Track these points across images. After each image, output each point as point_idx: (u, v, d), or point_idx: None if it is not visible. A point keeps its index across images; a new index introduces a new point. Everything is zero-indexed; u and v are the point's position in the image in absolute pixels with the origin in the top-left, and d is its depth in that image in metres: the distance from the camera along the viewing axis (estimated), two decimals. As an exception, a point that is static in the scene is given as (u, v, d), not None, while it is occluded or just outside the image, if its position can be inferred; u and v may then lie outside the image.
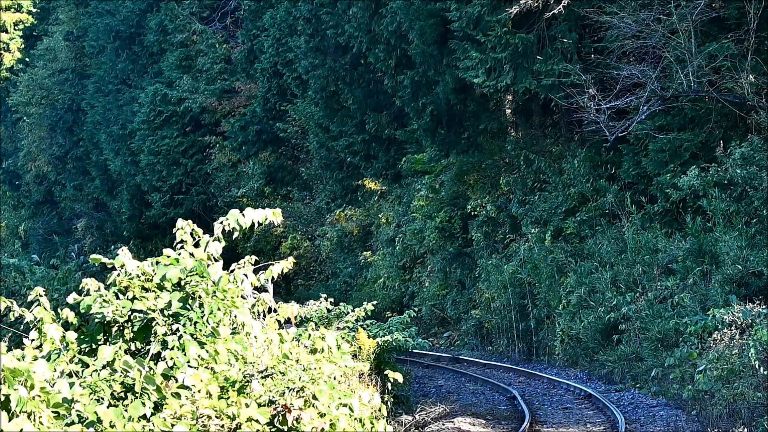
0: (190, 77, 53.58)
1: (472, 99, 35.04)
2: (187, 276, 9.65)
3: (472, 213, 36.79)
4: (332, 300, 21.54)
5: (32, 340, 9.45)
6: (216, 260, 9.87)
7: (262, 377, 10.26)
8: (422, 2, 34.06)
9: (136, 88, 57.23)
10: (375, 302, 23.08)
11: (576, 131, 33.38)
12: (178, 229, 9.90)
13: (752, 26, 26.43)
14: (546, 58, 30.01)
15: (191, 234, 9.94)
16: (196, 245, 9.94)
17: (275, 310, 10.85)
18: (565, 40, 29.98)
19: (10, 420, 7.80)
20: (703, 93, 27.43)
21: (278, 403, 9.96)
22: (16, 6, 76.04)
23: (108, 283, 9.76)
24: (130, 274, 9.66)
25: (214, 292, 9.62)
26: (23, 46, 74.87)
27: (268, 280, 10.19)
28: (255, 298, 10.26)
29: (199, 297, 9.55)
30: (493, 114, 36.30)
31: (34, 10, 74.85)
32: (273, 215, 9.99)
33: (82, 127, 63.72)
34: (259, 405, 9.72)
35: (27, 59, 72.43)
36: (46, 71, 67.56)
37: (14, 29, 75.83)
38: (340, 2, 40.64)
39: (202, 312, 9.53)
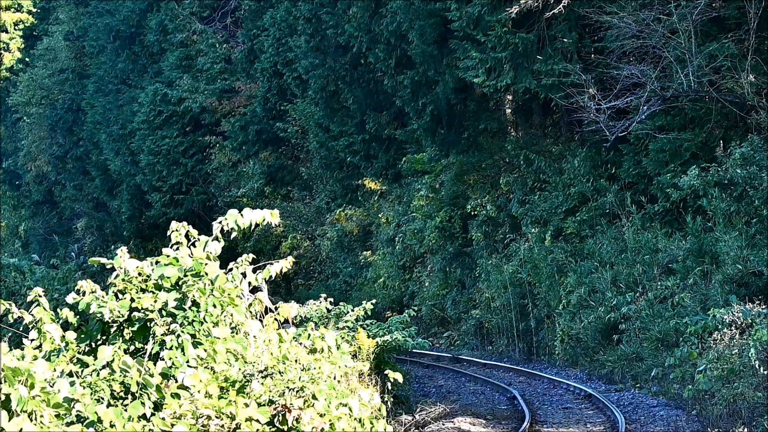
0: (190, 77, 53.57)
1: (472, 99, 35.04)
2: (184, 275, 9.66)
3: (472, 213, 36.78)
4: (332, 300, 21.52)
5: (32, 340, 9.46)
6: (214, 260, 9.88)
7: (261, 377, 10.26)
8: (422, 2, 34.06)
9: (136, 88, 57.22)
10: (374, 301, 23.06)
11: (576, 131, 33.38)
12: (173, 230, 9.91)
13: (752, 26, 26.43)
14: (546, 57, 30.01)
15: (186, 235, 9.96)
16: (194, 245, 9.95)
17: (272, 310, 10.85)
18: (565, 40, 29.98)
19: (10, 419, 7.81)
20: (703, 93, 27.43)
21: (278, 403, 9.97)
22: (16, 6, 76.05)
23: (108, 284, 9.77)
24: (128, 274, 9.67)
25: (211, 291, 9.63)
26: (23, 46, 74.87)
27: (263, 279, 10.20)
28: (252, 297, 10.26)
29: (193, 296, 9.55)
30: (493, 114, 36.30)
31: (34, 10, 74.83)
32: (271, 216, 10.02)
33: (82, 127, 63.72)
34: (259, 405, 9.72)
35: (27, 59, 72.42)
36: (46, 71, 67.56)
37: (14, 29, 75.83)
38: (340, 2, 40.63)
39: (198, 311, 9.54)
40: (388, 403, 20.44)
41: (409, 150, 40.09)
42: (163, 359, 9.31)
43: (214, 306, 9.61)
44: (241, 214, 10.06)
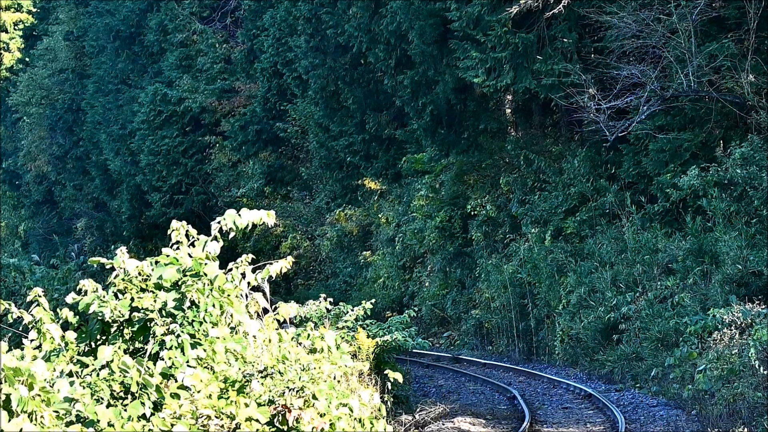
0: (190, 77, 53.58)
1: (472, 99, 35.03)
2: (183, 275, 9.66)
3: (472, 213, 36.78)
4: (332, 300, 21.49)
5: (32, 340, 9.46)
6: (213, 260, 9.90)
7: (261, 377, 10.26)
8: (422, 2, 34.05)
9: (136, 88, 57.24)
10: (374, 301, 23.04)
11: (576, 131, 33.39)
12: (173, 230, 9.94)
13: (752, 26, 26.43)
14: (546, 57, 30.00)
15: (186, 235, 9.98)
16: (193, 245, 9.97)
17: (272, 310, 10.85)
18: (565, 40, 29.97)
19: (10, 419, 7.81)
20: (703, 93, 27.43)
21: (278, 403, 9.97)
22: (16, 6, 76.03)
23: (107, 284, 9.77)
24: (128, 274, 9.68)
25: (211, 291, 9.64)
26: (23, 46, 74.87)
27: (264, 279, 10.21)
28: (250, 297, 10.27)
29: (192, 296, 9.55)
30: (493, 114, 36.29)
31: (34, 10, 74.82)
32: (267, 216, 10.08)
33: (82, 127, 63.72)
34: (259, 405, 9.72)
35: (27, 59, 72.42)
36: (46, 71, 67.56)
37: (14, 29, 75.82)
38: (340, 2, 40.63)
39: (198, 311, 9.55)
40: (388, 403, 20.43)
41: (409, 150, 40.10)
42: (163, 359, 9.31)
43: (213, 306, 9.62)
44: (239, 215, 10.10)
